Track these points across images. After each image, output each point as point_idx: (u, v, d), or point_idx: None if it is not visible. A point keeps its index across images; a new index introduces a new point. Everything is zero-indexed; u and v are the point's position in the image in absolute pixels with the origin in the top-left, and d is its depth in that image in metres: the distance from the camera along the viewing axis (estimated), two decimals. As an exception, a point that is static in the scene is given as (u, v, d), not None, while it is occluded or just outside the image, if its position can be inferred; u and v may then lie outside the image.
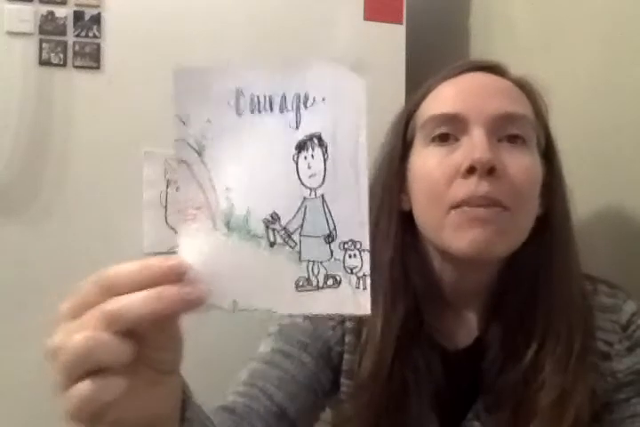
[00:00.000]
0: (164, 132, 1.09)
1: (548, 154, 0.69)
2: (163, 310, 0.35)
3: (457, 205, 0.62)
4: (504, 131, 0.65)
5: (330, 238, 0.38)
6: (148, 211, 1.09)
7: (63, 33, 1.05)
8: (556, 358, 0.63)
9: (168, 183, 1.09)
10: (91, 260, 1.06)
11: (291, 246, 0.38)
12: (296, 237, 0.38)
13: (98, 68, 1.07)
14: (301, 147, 0.38)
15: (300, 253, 0.38)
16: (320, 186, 0.38)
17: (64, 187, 1.06)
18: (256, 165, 0.38)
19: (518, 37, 1.14)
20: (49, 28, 1.04)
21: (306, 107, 0.38)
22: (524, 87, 0.70)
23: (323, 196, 0.38)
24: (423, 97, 0.71)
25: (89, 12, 1.06)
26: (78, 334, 0.35)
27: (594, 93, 0.93)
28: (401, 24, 1.23)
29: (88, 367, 0.35)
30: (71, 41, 1.05)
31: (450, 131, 0.65)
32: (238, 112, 0.39)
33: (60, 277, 1.04)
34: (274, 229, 0.38)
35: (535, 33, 1.10)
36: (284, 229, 0.38)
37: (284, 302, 0.38)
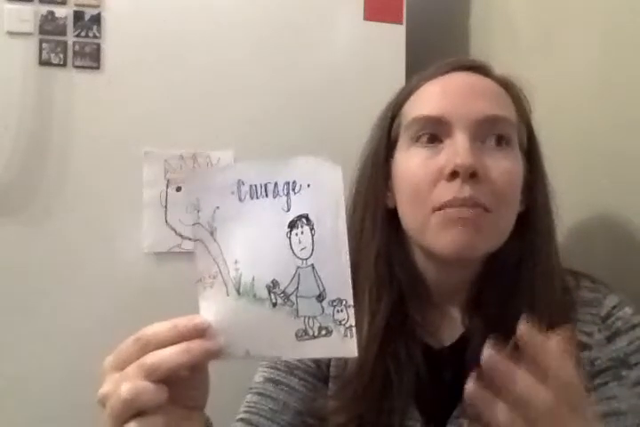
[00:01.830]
0: (164, 132, 1.10)
1: (531, 152, 0.71)
2: (190, 361, 0.44)
3: (440, 207, 0.64)
4: (487, 133, 0.66)
5: (320, 298, 0.45)
6: (148, 211, 1.09)
7: (63, 33, 1.05)
8: None
9: (168, 183, 1.09)
10: (91, 260, 1.07)
11: (289, 306, 0.46)
12: (293, 298, 0.46)
13: (98, 68, 1.07)
14: (293, 225, 0.46)
15: (297, 310, 0.46)
16: (310, 256, 0.46)
17: (64, 187, 1.06)
18: (257, 242, 0.47)
19: (518, 37, 1.14)
20: (49, 28, 1.04)
21: (294, 192, 0.46)
22: (508, 87, 0.71)
23: (312, 264, 0.46)
24: (408, 95, 0.72)
25: (89, 12, 1.06)
26: (124, 385, 0.43)
27: (593, 93, 0.93)
28: (401, 24, 1.24)
29: (133, 412, 0.43)
30: (71, 41, 1.06)
31: (434, 132, 0.67)
32: (240, 199, 0.48)
33: (60, 277, 1.05)
34: (275, 293, 0.46)
35: (535, 33, 1.10)
36: (283, 292, 0.46)
37: (287, 349, 0.46)
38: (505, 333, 0.65)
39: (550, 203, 0.71)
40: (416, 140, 0.68)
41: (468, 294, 0.70)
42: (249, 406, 0.71)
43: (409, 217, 0.68)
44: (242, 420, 0.70)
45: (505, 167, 0.65)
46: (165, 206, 1.09)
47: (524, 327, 0.44)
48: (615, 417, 0.64)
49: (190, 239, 1.09)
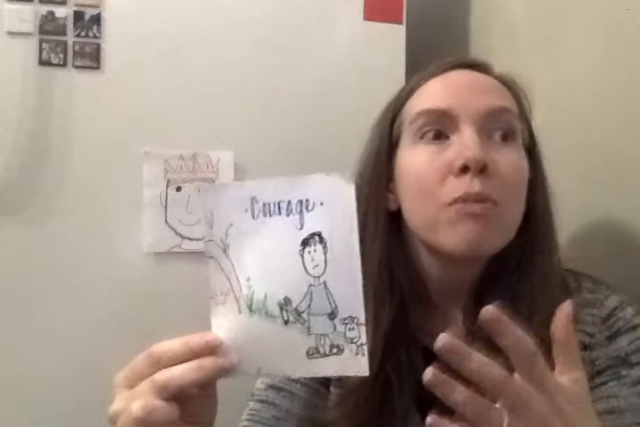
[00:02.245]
0: (163, 132, 1.10)
1: (531, 152, 0.70)
2: (202, 379, 0.44)
3: (451, 203, 0.63)
4: (493, 126, 0.66)
5: (332, 315, 0.45)
6: (148, 211, 1.09)
7: (63, 33, 1.05)
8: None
9: (168, 183, 1.10)
10: (91, 260, 1.07)
11: (301, 323, 0.46)
12: (305, 315, 0.46)
13: (98, 68, 1.07)
14: (305, 243, 0.46)
15: (309, 328, 0.46)
16: (322, 274, 0.46)
17: (64, 187, 1.06)
18: (270, 259, 0.47)
19: (518, 37, 1.14)
20: (49, 28, 1.04)
21: (308, 210, 0.46)
22: (509, 85, 0.70)
23: (325, 282, 0.45)
24: (409, 94, 0.71)
25: (89, 12, 1.06)
26: (135, 403, 0.43)
27: (593, 93, 0.93)
28: (401, 24, 1.24)
29: None
30: (71, 41, 1.06)
31: (440, 128, 0.66)
32: (254, 216, 0.48)
33: (60, 277, 1.05)
34: (287, 310, 0.46)
35: (535, 32, 1.10)
36: (295, 309, 0.46)
37: (298, 367, 0.46)
38: None
39: (550, 203, 0.70)
40: (421, 136, 0.67)
41: (470, 297, 0.70)
42: (251, 414, 0.71)
43: (417, 215, 0.67)
44: None
45: (512, 161, 0.65)
46: (165, 206, 1.09)
47: (490, 311, 0.44)
48: (614, 415, 0.63)
49: (190, 239, 1.10)
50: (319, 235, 0.46)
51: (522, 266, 0.67)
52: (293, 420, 0.70)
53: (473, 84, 0.68)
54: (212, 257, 0.49)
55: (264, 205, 0.47)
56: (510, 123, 0.67)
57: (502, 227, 0.65)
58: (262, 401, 0.71)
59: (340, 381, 0.70)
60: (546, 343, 0.63)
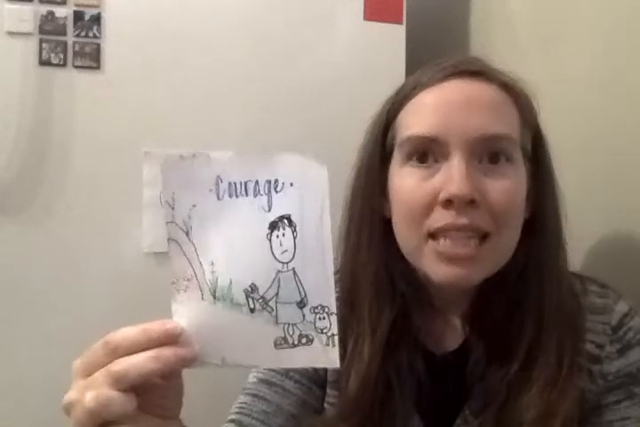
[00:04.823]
0: (163, 132, 1.10)
1: (537, 157, 0.68)
2: (161, 369, 0.42)
3: (435, 233, 0.61)
4: (486, 150, 0.62)
5: (302, 304, 0.43)
6: (148, 211, 1.09)
7: (63, 33, 1.05)
8: (543, 361, 0.62)
9: (168, 183, 1.09)
10: (90, 260, 1.07)
11: (268, 311, 0.44)
12: (272, 303, 0.44)
13: (98, 68, 1.07)
14: (274, 227, 0.44)
15: (276, 317, 0.44)
16: (291, 260, 0.43)
17: (64, 187, 1.06)
18: (236, 243, 0.44)
19: (518, 37, 1.14)
20: (49, 28, 1.04)
21: (276, 191, 0.43)
22: (511, 90, 0.66)
23: (294, 268, 0.43)
24: (404, 101, 0.68)
25: (89, 12, 1.06)
26: (89, 393, 0.41)
27: (594, 93, 0.93)
28: (401, 24, 1.24)
29: (98, 421, 0.41)
30: (71, 41, 1.06)
31: (429, 152, 0.63)
32: (218, 197, 0.45)
33: (60, 277, 1.05)
34: (253, 298, 0.44)
35: (535, 32, 1.10)
36: (262, 297, 0.44)
37: (265, 358, 0.44)
38: (509, 340, 0.64)
39: (558, 206, 0.68)
40: (409, 158, 0.64)
41: (472, 302, 0.69)
42: (241, 407, 0.69)
43: (403, 240, 0.66)
44: (233, 421, 0.68)
45: (504, 187, 0.62)
46: (165, 206, 1.09)
47: None
48: None
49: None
50: (288, 218, 0.43)
51: (530, 271, 0.66)
52: (283, 416, 0.68)
53: (467, 102, 0.63)
54: (173, 240, 0.46)
55: (230, 184, 0.44)
56: (505, 147, 0.63)
57: (492, 259, 0.63)
58: (253, 395, 0.69)
59: (338, 382, 0.69)
60: (550, 349, 0.63)
